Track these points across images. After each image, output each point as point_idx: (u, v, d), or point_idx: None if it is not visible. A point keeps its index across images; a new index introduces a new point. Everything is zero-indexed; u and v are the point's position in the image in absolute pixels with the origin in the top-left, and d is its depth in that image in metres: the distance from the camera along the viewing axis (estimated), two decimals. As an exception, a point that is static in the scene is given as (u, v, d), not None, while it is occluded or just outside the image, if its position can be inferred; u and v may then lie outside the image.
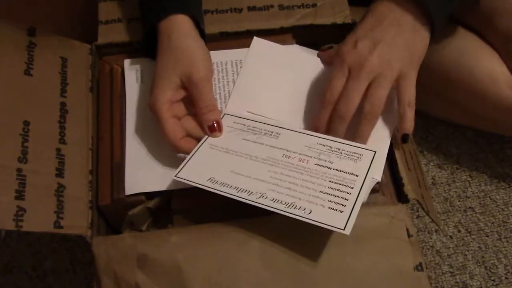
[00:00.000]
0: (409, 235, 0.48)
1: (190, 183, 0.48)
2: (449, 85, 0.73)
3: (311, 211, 0.44)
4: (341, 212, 0.44)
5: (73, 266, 0.76)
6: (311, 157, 0.49)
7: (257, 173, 0.48)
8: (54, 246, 0.78)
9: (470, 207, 0.80)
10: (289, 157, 0.50)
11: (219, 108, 0.56)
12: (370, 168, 0.48)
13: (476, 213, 0.80)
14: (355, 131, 0.51)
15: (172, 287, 0.46)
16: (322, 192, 0.46)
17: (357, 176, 0.47)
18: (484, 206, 0.80)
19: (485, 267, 0.75)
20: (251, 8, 0.62)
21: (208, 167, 0.50)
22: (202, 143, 0.52)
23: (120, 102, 0.58)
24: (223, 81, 0.58)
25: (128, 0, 0.62)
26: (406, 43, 0.51)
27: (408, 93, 0.51)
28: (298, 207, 0.45)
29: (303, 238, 0.47)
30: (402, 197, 0.51)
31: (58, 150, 0.50)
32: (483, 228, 0.79)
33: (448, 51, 0.71)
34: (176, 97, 0.52)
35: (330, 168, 0.48)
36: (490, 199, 0.81)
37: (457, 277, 0.75)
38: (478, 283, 0.75)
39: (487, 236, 0.78)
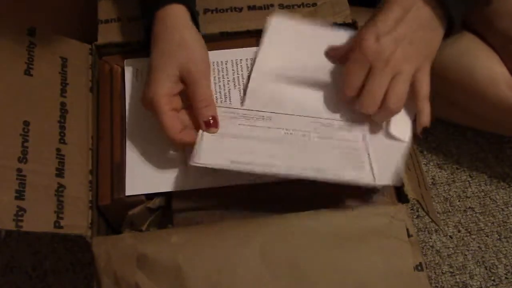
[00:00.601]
0: (409, 235, 0.48)
1: (212, 166, 0.47)
2: (449, 85, 0.73)
3: (338, 174, 0.47)
4: (363, 167, 0.49)
5: (73, 266, 0.76)
6: (309, 132, 0.52)
7: (269, 151, 0.49)
8: (54, 246, 0.78)
9: (470, 207, 0.80)
10: (291, 134, 0.52)
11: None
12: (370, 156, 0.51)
13: (476, 213, 0.80)
14: (372, 117, 0.53)
15: (172, 287, 0.46)
16: (338, 157, 0.50)
17: (357, 141, 0.52)
18: (484, 206, 0.80)
19: (485, 267, 0.75)
20: (251, 7, 0.62)
21: (223, 151, 0.49)
22: (203, 132, 0.51)
23: (120, 102, 0.58)
24: (223, 81, 0.58)
25: (127, -1, 0.62)
26: (425, 40, 0.52)
27: (425, 87, 0.52)
28: (326, 171, 0.48)
29: (303, 238, 0.47)
30: (402, 197, 0.51)
31: (58, 150, 0.50)
32: (483, 228, 0.79)
33: (448, 51, 0.71)
34: (175, 90, 0.51)
35: (332, 138, 0.52)
36: (490, 199, 0.81)
37: (457, 277, 0.75)
38: (478, 283, 0.75)
39: (487, 236, 0.78)
